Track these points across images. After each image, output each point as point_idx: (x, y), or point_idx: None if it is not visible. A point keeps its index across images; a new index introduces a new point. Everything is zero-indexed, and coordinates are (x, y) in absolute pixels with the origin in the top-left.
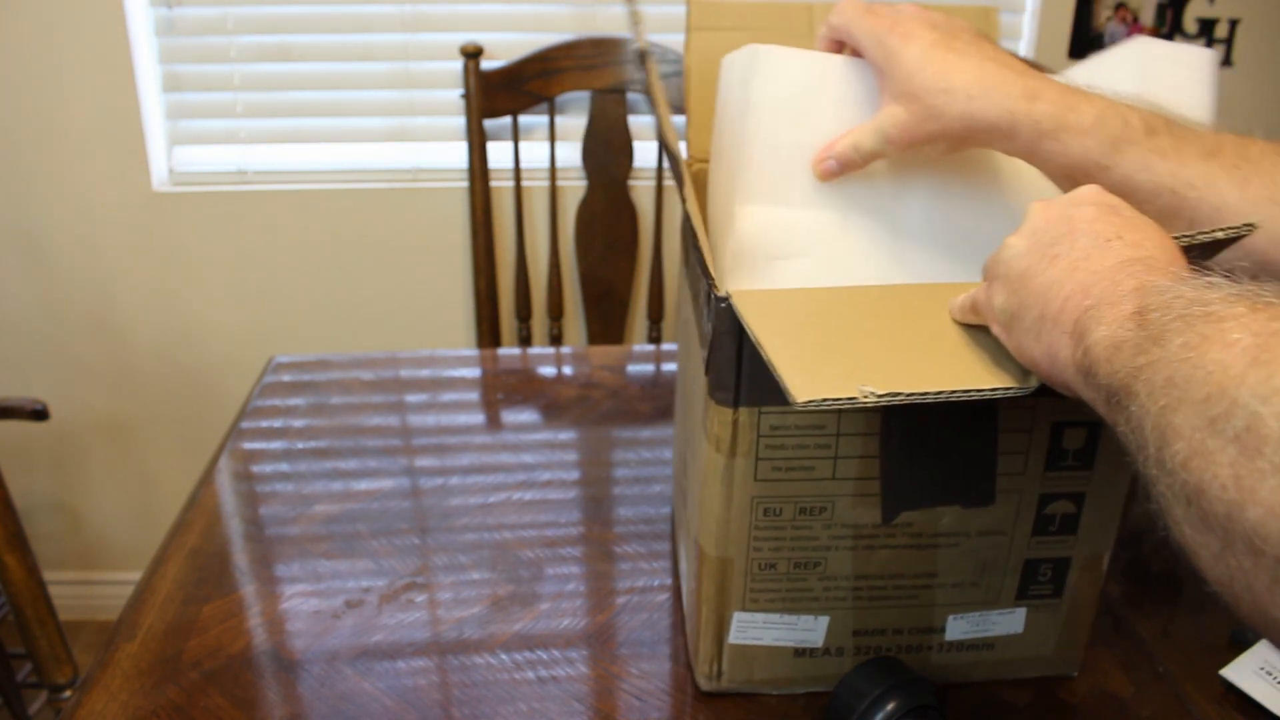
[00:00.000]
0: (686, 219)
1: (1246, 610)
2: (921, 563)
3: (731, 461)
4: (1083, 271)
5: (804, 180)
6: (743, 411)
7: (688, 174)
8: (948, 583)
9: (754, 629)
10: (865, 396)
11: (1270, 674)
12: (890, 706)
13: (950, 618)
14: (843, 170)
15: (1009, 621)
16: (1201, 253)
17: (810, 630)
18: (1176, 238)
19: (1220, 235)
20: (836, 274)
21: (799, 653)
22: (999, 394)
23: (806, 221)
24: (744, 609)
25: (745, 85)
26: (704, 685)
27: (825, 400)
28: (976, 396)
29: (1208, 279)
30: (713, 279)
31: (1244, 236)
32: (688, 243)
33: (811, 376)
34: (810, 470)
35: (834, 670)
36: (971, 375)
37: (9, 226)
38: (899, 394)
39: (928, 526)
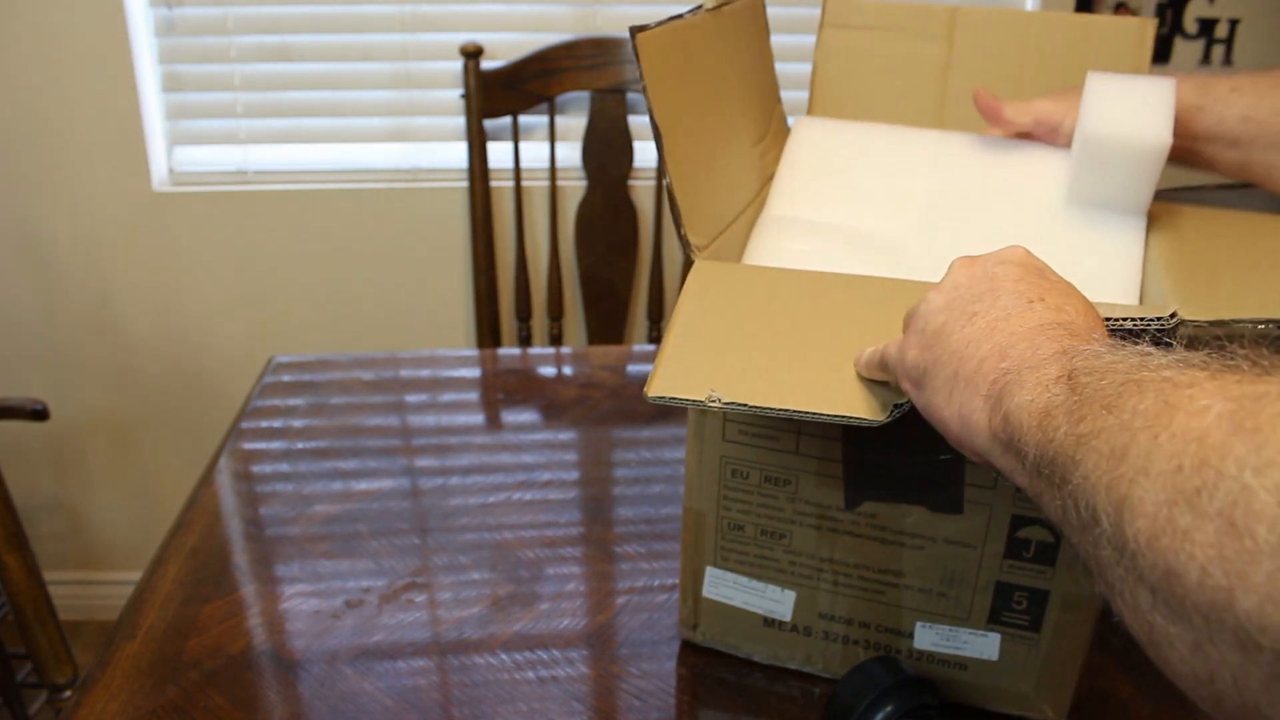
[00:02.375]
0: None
1: (1231, 709)
2: (886, 558)
3: (703, 417)
4: (1001, 332)
5: (829, 201)
6: None
7: (669, 131)
8: (915, 586)
9: (725, 587)
10: (711, 401)
11: None
12: (890, 707)
13: (919, 624)
14: (998, 121)
15: (982, 645)
16: (1124, 337)
17: (778, 601)
18: (1105, 320)
19: (1144, 322)
20: (843, 256)
21: (768, 623)
22: (848, 421)
23: (825, 218)
24: (715, 564)
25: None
26: (683, 634)
27: (673, 398)
28: (825, 420)
29: (1138, 347)
30: (686, 237)
31: (1167, 328)
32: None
33: (678, 372)
34: (774, 440)
35: (801, 648)
36: (835, 399)
37: (9, 226)
38: (745, 405)
39: (892, 522)
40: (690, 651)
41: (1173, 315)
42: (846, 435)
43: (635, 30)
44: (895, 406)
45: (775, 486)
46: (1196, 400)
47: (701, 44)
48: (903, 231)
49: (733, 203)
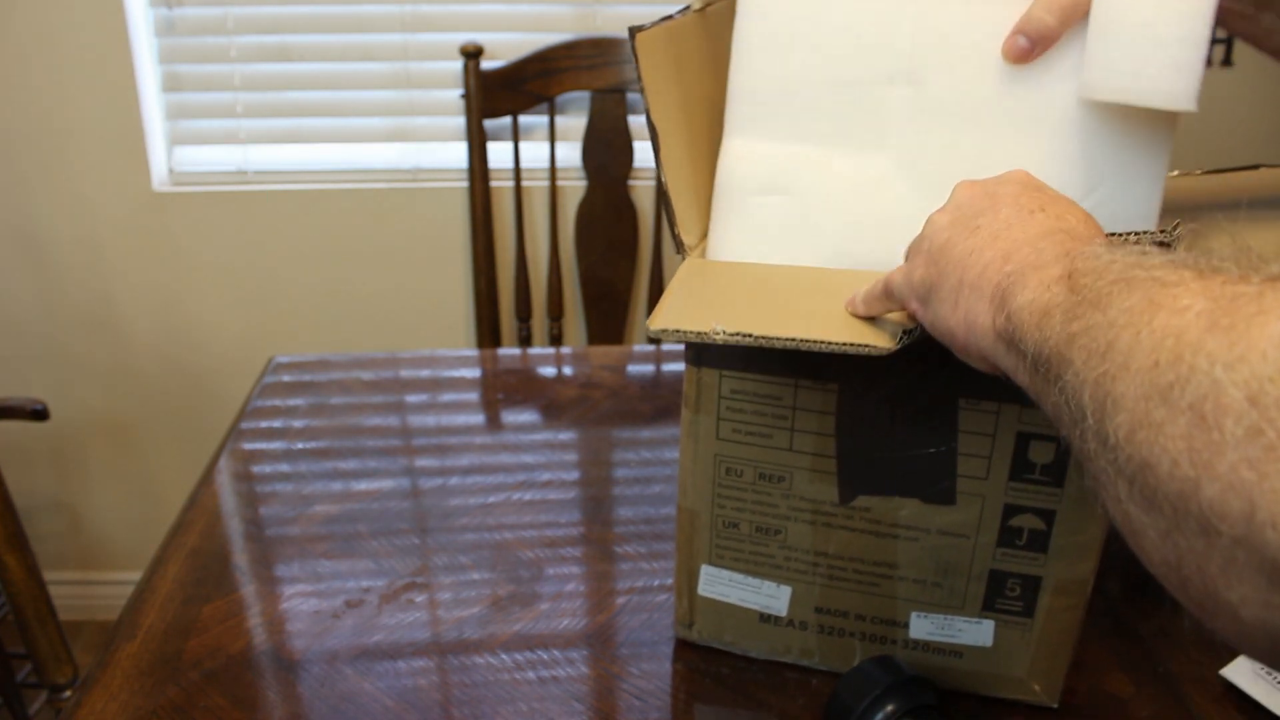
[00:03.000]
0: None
1: (1195, 593)
2: (881, 551)
3: (696, 417)
4: (1004, 239)
5: (787, 114)
6: (705, 371)
7: (665, 131)
8: (909, 577)
9: (720, 585)
10: (715, 333)
11: (1270, 674)
12: (890, 707)
13: (914, 614)
14: (1034, 49)
15: (976, 632)
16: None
17: (773, 597)
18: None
19: (1146, 235)
20: (815, 213)
21: (764, 618)
22: (858, 350)
23: (789, 157)
24: (710, 563)
25: (736, 18)
26: (679, 633)
27: (676, 330)
28: (834, 349)
29: (1138, 246)
30: (679, 236)
31: (1168, 243)
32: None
33: (681, 309)
34: (768, 438)
35: (797, 643)
36: (841, 331)
37: (9, 226)
38: (749, 335)
39: (886, 515)
40: (688, 650)
41: (1175, 226)
42: (840, 429)
43: (634, 30)
44: (905, 333)
45: (769, 483)
46: (1179, 299)
47: (692, 44)
48: (882, 172)
49: None
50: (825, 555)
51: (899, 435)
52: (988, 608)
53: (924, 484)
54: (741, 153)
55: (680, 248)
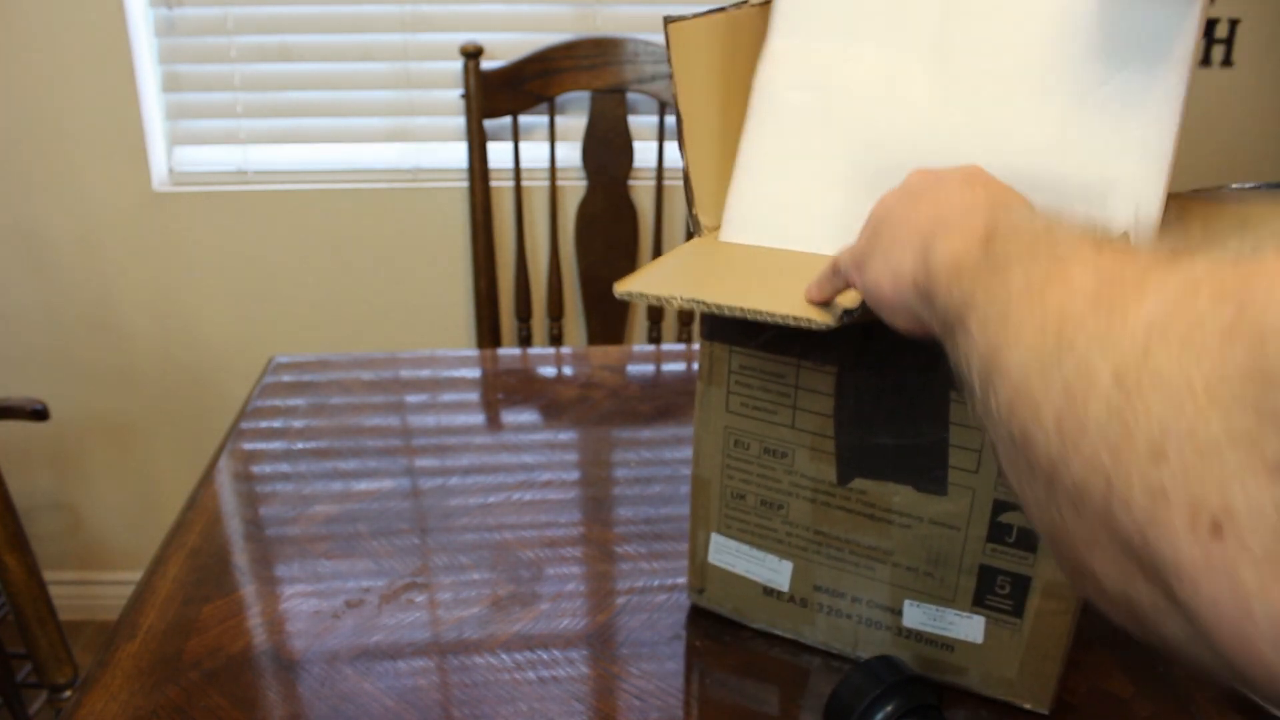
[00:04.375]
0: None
1: (1068, 561)
2: (877, 534)
3: (709, 388)
4: (941, 205)
5: (826, 12)
6: (716, 345)
7: (690, 117)
8: (903, 564)
9: (728, 554)
10: (672, 300)
11: None
12: (890, 707)
13: (907, 602)
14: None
15: (967, 626)
16: None
17: (776, 571)
18: None
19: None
20: (840, 109)
21: (767, 592)
22: (797, 323)
23: (825, 53)
24: (719, 531)
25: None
26: (691, 599)
27: (640, 294)
28: (775, 320)
29: (1059, 214)
30: (695, 215)
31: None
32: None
33: (651, 278)
34: (773, 414)
35: (797, 617)
36: (780, 306)
37: (9, 226)
38: (702, 302)
39: (881, 500)
40: (690, 650)
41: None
42: (838, 412)
43: (668, 20)
44: (845, 312)
45: (774, 458)
46: (1073, 275)
47: (740, 38)
48: (909, 67)
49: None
50: (824, 534)
51: (893, 422)
52: (978, 603)
53: (917, 472)
54: (781, 50)
55: (696, 228)
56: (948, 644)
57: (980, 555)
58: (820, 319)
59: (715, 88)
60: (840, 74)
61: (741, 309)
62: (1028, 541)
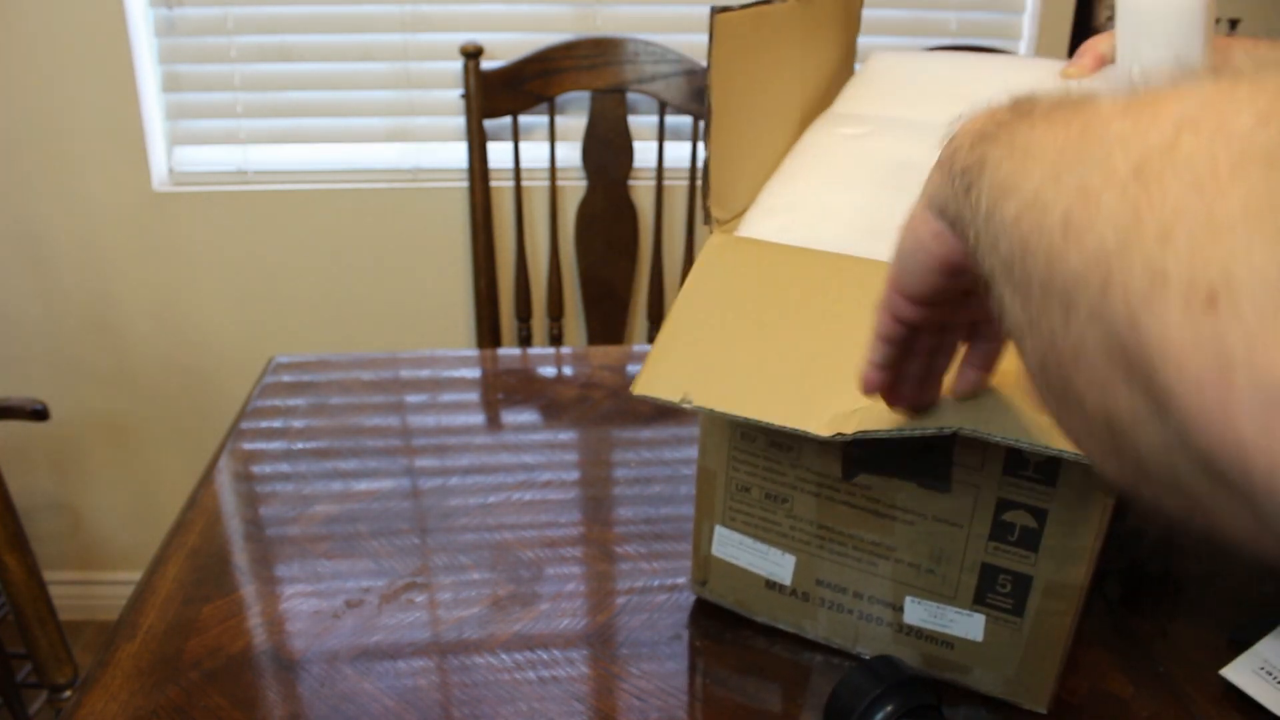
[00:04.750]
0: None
1: (1054, 385)
2: (880, 530)
3: None
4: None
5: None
6: None
7: (720, 110)
8: (905, 560)
9: (731, 547)
10: (684, 403)
11: (1270, 674)
12: (890, 706)
13: (908, 598)
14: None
15: (968, 624)
16: None
17: (779, 565)
18: None
19: None
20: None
21: (770, 585)
22: (798, 433)
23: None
24: (723, 524)
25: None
26: (694, 590)
27: (654, 398)
28: (777, 427)
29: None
30: (709, 207)
31: None
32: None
33: (663, 369)
34: None
35: (799, 611)
36: (794, 410)
37: (9, 226)
38: (710, 410)
39: (885, 496)
40: (691, 650)
41: None
42: None
43: (715, 10)
44: (838, 435)
45: (780, 451)
46: (1100, 102)
47: (779, 32)
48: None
49: (760, 187)
50: (828, 529)
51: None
52: (979, 601)
53: (922, 468)
54: (843, 110)
55: (708, 219)
56: (948, 641)
57: (982, 553)
58: (818, 431)
59: (747, 82)
60: (898, 124)
61: (746, 418)
62: (1030, 540)
